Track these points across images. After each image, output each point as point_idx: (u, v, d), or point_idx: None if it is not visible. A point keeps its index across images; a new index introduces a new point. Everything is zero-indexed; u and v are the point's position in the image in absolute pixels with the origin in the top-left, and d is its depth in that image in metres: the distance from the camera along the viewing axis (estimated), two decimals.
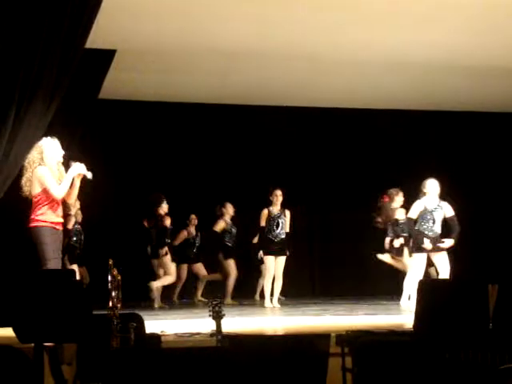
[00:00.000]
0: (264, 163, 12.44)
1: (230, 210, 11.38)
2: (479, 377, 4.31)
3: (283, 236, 10.10)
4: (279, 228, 10.07)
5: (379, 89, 11.32)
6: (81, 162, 6.69)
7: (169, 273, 10.55)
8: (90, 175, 6.66)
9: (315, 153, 12.84)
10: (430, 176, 9.07)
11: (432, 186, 9.01)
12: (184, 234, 11.60)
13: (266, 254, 10.10)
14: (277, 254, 10.06)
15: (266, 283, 10.19)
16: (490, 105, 12.27)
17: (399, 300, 9.48)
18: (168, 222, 10.63)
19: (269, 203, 10.12)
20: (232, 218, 11.47)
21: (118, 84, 10.11)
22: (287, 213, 10.16)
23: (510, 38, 9.24)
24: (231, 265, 11.34)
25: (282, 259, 10.10)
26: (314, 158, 12.85)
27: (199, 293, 11.82)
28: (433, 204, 9.01)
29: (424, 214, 8.96)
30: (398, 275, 10.46)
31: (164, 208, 10.63)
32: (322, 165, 12.86)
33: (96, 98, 9.05)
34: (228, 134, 12.48)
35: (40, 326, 4.02)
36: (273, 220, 10.09)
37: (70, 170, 6.60)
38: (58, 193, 6.48)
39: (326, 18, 8.71)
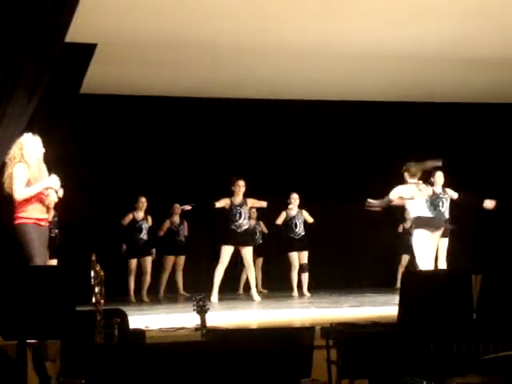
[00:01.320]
0: (250, 156, 12.46)
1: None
2: (463, 367, 4.32)
3: (246, 226, 10.12)
4: (242, 218, 10.06)
5: (375, 81, 11.36)
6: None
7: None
8: (60, 193, 6.62)
9: (310, 146, 12.89)
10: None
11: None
12: (167, 224, 11.58)
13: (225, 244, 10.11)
14: (241, 244, 10.08)
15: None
16: (486, 95, 12.34)
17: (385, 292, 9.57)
18: (139, 214, 10.72)
19: (231, 193, 10.11)
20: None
21: (99, 78, 10.05)
22: (249, 201, 10.16)
23: (506, 29, 9.27)
24: (292, 256, 11.41)
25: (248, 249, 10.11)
26: (309, 151, 12.89)
27: (180, 286, 11.82)
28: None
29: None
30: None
31: (142, 202, 10.73)
32: (315, 157, 12.91)
33: (77, 92, 9.00)
34: (211, 126, 12.48)
35: (23, 323, 3.99)
36: (235, 210, 10.06)
37: (46, 180, 6.51)
38: (19, 195, 6.37)
39: (318, 10, 8.69)
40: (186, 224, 11.77)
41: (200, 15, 8.73)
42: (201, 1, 8.40)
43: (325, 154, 13.00)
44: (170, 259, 11.69)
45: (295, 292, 11.00)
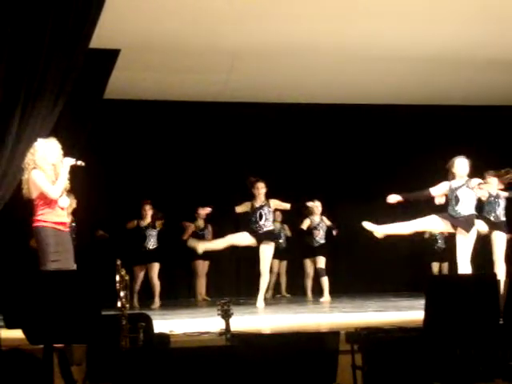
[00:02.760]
0: (272, 160, 12.46)
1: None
2: (490, 372, 4.29)
3: (270, 228, 9.93)
4: (263, 219, 9.91)
5: (384, 84, 11.33)
6: (86, 161, 6.58)
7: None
8: (80, 162, 6.46)
9: (330, 149, 12.90)
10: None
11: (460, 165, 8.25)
12: (191, 228, 11.59)
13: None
14: (260, 242, 9.85)
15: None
16: (497, 98, 12.26)
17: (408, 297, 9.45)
18: (145, 221, 10.61)
19: (252, 197, 9.94)
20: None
21: (122, 83, 10.11)
22: (272, 203, 10.00)
23: None
24: (306, 263, 11.58)
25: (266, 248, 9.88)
26: (330, 154, 12.90)
27: (202, 291, 11.82)
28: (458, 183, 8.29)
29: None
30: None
31: (146, 209, 10.62)
32: (337, 160, 12.92)
33: (101, 98, 9.05)
34: (233, 130, 12.49)
35: (49, 327, 4.01)
36: (256, 212, 9.90)
37: (62, 168, 6.43)
38: (55, 193, 6.34)
39: (329, 13, 8.69)
40: (210, 228, 11.77)
41: (221, 20, 8.75)
42: (222, 7, 8.41)
43: (346, 157, 12.97)
44: (199, 264, 11.69)
45: (309, 297, 11.21)
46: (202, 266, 11.74)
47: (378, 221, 10.26)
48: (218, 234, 11.76)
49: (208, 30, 8.98)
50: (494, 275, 4.59)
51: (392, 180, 11.68)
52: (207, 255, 11.60)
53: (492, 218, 9.32)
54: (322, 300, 10.77)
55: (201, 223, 11.70)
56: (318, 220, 11.24)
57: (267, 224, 9.87)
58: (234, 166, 12.32)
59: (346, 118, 12.70)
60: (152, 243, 10.67)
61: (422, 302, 4.57)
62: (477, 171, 8.46)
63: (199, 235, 11.63)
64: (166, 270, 10.97)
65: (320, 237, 11.22)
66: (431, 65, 10.49)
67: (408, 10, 8.67)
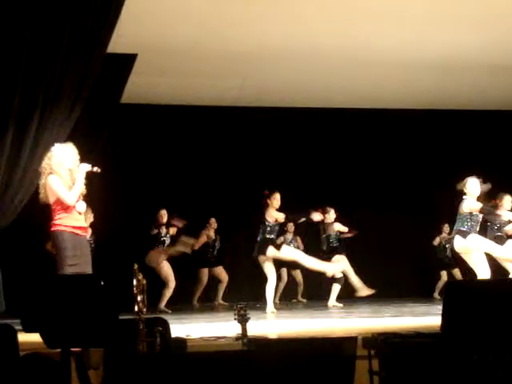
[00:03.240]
0: (288, 166, 12.44)
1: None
2: (508, 378, 4.26)
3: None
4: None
5: (388, 88, 11.35)
6: (102, 167, 6.58)
7: (166, 281, 10.23)
8: (96, 169, 6.45)
9: (329, 155, 12.87)
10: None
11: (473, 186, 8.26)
12: (204, 238, 11.62)
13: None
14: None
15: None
16: (504, 103, 12.23)
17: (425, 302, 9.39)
18: (163, 229, 10.47)
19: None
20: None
21: (139, 88, 10.14)
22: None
23: None
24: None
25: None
26: (343, 161, 12.90)
27: (220, 296, 11.83)
28: None
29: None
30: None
31: (162, 216, 10.48)
32: (351, 167, 12.90)
33: (118, 102, 9.08)
34: (250, 135, 12.49)
35: (67, 331, 4.02)
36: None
37: (78, 174, 6.43)
38: (71, 199, 6.33)
39: (331, 18, 8.71)
40: (218, 237, 11.84)
41: (237, 25, 8.78)
42: (238, 12, 8.44)
43: (360, 165, 12.93)
44: (205, 271, 11.74)
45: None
46: (207, 274, 11.76)
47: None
48: (228, 239, 11.81)
49: (224, 34, 9.00)
50: None
51: (409, 186, 11.72)
52: (216, 263, 11.68)
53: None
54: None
55: (212, 233, 11.75)
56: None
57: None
58: (249, 171, 12.32)
59: (359, 123, 12.68)
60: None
61: (438, 308, 4.55)
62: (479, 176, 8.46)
63: (209, 245, 11.69)
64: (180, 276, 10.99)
65: (324, 245, 10.95)
66: (437, 70, 10.47)
67: (411, 14, 8.66)
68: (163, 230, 10.56)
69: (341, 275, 10.77)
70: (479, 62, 10.20)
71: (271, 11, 8.49)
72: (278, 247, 9.63)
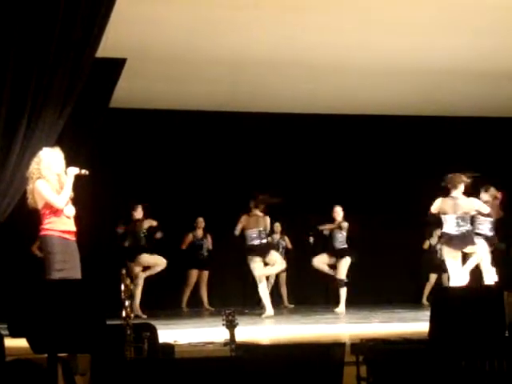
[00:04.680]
0: (274, 170, 12.45)
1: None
2: None
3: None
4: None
5: (384, 95, 11.36)
6: (90, 170, 6.54)
7: (156, 264, 10.28)
8: (84, 171, 6.40)
9: (319, 159, 12.87)
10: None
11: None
12: (189, 238, 11.58)
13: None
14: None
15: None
16: (499, 110, 12.27)
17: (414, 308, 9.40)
18: (143, 226, 10.42)
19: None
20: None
21: (128, 93, 10.13)
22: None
23: None
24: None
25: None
26: (319, 164, 12.87)
27: (205, 301, 11.78)
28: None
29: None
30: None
31: (138, 213, 10.45)
32: (345, 172, 12.89)
33: (107, 106, 9.06)
34: (238, 140, 12.49)
35: (54, 337, 4.00)
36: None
37: (67, 178, 6.38)
38: (60, 203, 6.29)
39: (329, 24, 8.71)
40: (209, 238, 11.76)
41: (227, 31, 8.78)
42: (227, 18, 8.44)
43: (350, 170, 12.93)
44: (193, 273, 11.68)
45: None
46: (195, 276, 11.70)
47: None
48: (216, 244, 11.79)
49: (213, 40, 9.00)
50: (500, 287, 4.57)
51: (402, 191, 11.73)
52: (206, 264, 11.62)
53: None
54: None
55: (199, 233, 11.70)
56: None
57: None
58: (239, 174, 12.32)
59: (352, 129, 12.70)
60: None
61: (426, 314, 4.56)
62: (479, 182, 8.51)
63: (197, 246, 11.63)
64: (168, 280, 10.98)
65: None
66: (442, 77, 10.51)
67: (415, 22, 8.69)
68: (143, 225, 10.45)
69: (345, 280, 10.77)
70: (480, 70, 10.24)
71: (262, 17, 8.49)
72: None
